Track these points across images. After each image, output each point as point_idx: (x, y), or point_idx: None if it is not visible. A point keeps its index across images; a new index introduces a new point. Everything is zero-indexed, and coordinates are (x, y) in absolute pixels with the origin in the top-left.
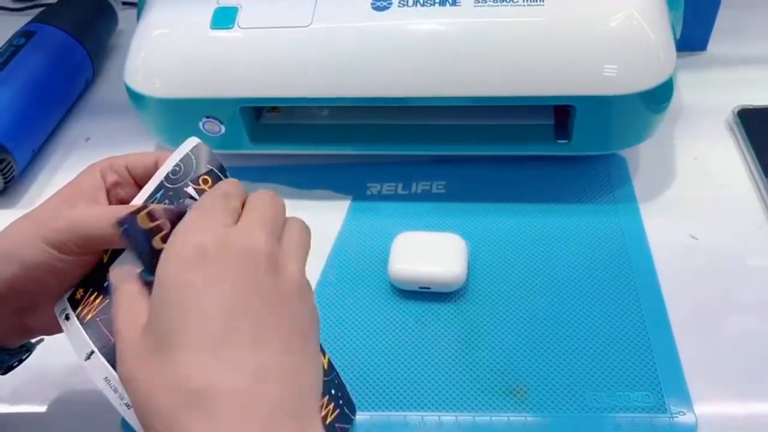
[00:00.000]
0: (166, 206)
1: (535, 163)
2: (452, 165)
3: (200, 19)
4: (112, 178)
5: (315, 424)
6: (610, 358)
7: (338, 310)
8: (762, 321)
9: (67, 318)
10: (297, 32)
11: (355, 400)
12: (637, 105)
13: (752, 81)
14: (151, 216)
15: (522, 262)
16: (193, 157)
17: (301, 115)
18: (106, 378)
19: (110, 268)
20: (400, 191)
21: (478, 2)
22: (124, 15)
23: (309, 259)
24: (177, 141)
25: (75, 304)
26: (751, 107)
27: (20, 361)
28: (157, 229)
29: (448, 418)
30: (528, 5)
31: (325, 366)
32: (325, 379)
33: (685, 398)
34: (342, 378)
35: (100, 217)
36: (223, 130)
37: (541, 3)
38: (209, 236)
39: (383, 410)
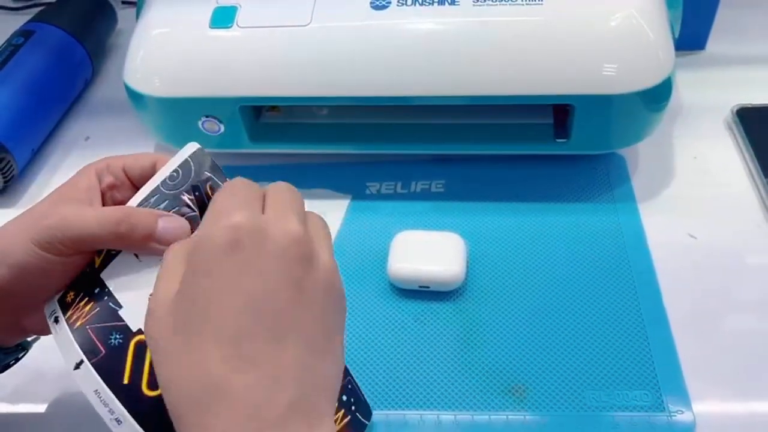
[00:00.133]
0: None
1: (534, 162)
2: (451, 164)
3: (199, 18)
4: (108, 179)
5: (326, 423)
6: (609, 357)
7: None
8: (761, 320)
9: (56, 321)
10: (296, 31)
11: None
12: (636, 104)
13: (751, 80)
14: None
15: (521, 260)
16: (191, 164)
17: (300, 115)
18: (96, 391)
19: (102, 274)
20: (399, 190)
21: (477, 1)
22: (123, 14)
23: None
24: (176, 140)
25: (65, 306)
26: (750, 106)
27: (17, 360)
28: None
29: (446, 417)
30: (527, 4)
31: None
32: None
33: (683, 397)
34: (357, 382)
35: (89, 217)
36: (223, 129)
37: (540, 2)
38: (243, 219)
39: (382, 409)
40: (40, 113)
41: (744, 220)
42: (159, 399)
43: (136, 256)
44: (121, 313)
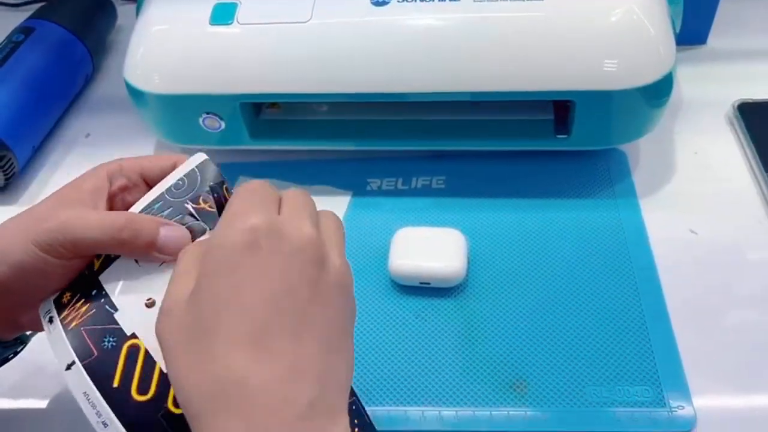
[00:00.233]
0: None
1: (535, 159)
2: (452, 160)
3: (199, 15)
4: (120, 182)
5: (342, 421)
6: (610, 353)
7: None
8: (761, 315)
9: (51, 321)
10: (296, 28)
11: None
12: (637, 100)
13: (752, 75)
14: None
15: (522, 256)
16: (198, 173)
17: (300, 111)
18: (86, 393)
19: (100, 277)
20: (400, 186)
21: None
22: (123, 11)
23: None
24: (177, 137)
25: (61, 307)
26: (751, 101)
27: (15, 353)
28: None
29: (448, 412)
30: (527, 0)
31: None
32: None
33: (684, 392)
34: (362, 404)
35: (91, 222)
36: (223, 126)
37: None
38: (260, 220)
39: (384, 405)
40: (41, 110)
41: (745, 216)
42: (147, 404)
43: (136, 261)
44: (116, 316)
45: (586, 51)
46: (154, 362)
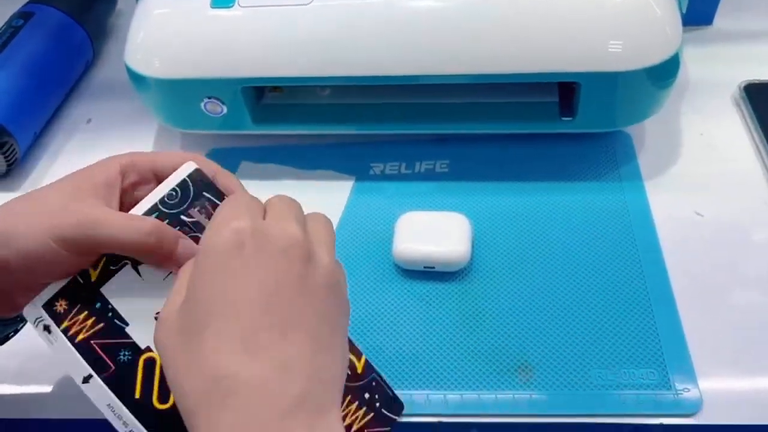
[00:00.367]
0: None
1: (540, 141)
2: (456, 144)
3: None
4: (132, 178)
5: (332, 417)
6: (615, 336)
7: None
8: (767, 297)
9: (48, 330)
10: (298, 10)
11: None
12: (643, 81)
13: (759, 56)
14: None
15: (526, 240)
16: (190, 184)
17: (303, 95)
18: (110, 405)
19: (102, 289)
20: (403, 171)
21: None
22: None
23: None
24: (179, 122)
25: (56, 316)
26: (757, 82)
27: (16, 331)
28: None
29: (453, 396)
30: None
31: (360, 369)
32: (359, 383)
33: (689, 374)
34: (384, 378)
35: (118, 223)
36: (225, 110)
37: None
38: (244, 223)
39: None
40: (41, 96)
41: (751, 197)
42: (170, 411)
43: (138, 273)
44: (128, 330)
45: (592, 32)
46: None
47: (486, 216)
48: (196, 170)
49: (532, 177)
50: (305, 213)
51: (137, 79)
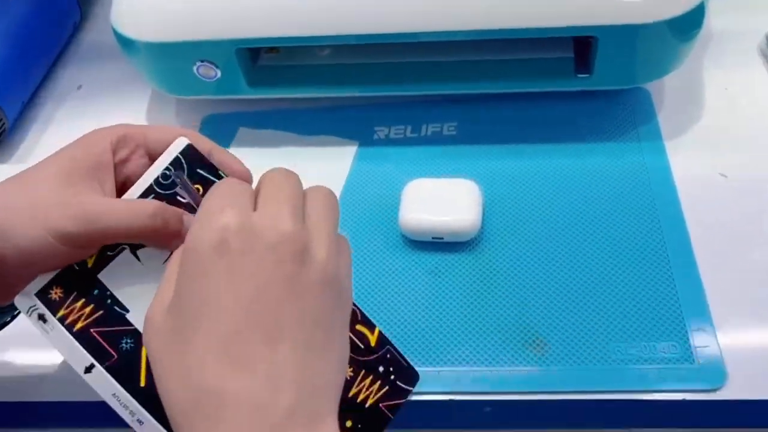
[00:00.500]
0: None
1: (553, 100)
2: (464, 104)
3: None
4: (123, 154)
5: (328, 425)
6: (634, 307)
7: None
8: None
9: (43, 319)
10: None
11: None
12: (665, 34)
13: None
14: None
15: (540, 207)
16: (183, 161)
17: (301, 56)
18: (114, 394)
19: (100, 275)
20: (409, 134)
21: None
22: None
23: None
24: (171, 87)
25: (51, 304)
26: None
27: (13, 317)
28: None
29: (464, 371)
30: None
31: (373, 342)
32: (372, 357)
33: (713, 347)
34: (398, 349)
35: (120, 210)
36: (219, 74)
37: None
38: (231, 219)
39: None
40: (28, 62)
41: None
42: None
43: (137, 258)
44: (129, 317)
45: None
46: None
47: (497, 181)
48: (189, 146)
49: (545, 138)
50: (305, 187)
51: (125, 43)
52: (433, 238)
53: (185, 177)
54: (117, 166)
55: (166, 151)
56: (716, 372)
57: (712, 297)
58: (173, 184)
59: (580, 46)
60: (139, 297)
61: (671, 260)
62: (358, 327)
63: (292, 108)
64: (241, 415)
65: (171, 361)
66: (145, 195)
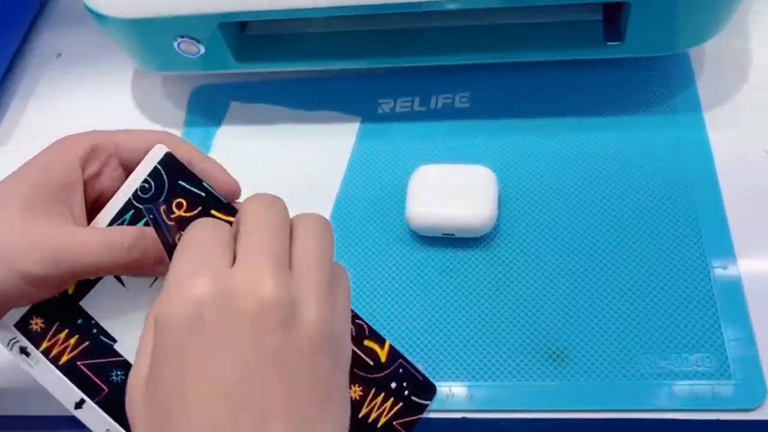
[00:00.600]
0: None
1: (579, 68)
2: (478, 72)
3: None
4: (94, 167)
5: None
6: (665, 312)
7: (349, 261)
8: None
9: (26, 353)
10: None
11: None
12: None
13: None
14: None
15: (562, 194)
16: (162, 171)
17: (293, 24)
18: (108, 430)
19: (82, 303)
20: (417, 107)
21: None
22: None
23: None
24: (153, 64)
25: (33, 336)
26: None
27: None
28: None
29: (478, 388)
30: None
31: (384, 358)
32: (383, 373)
33: (753, 361)
34: (409, 360)
35: (91, 245)
36: (202, 50)
37: None
38: (205, 289)
39: None
40: (1, 29)
41: None
42: None
43: (121, 282)
44: (117, 347)
45: None
46: None
47: (514, 163)
48: (167, 155)
49: (570, 112)
50: (292, 213)
51: (99, 18)
52: (443, 234)
53: (160, 211)
54: (88, 182)
55: (143, 161)
56: (755, 388)
57: (753, 303)
58: (154, 198)
59: (611, 9)
60: (126, 324)
61: (708, 256)
62: (367, 342)
63: (289, 79)
64: None
65: None
66: (123, 212)
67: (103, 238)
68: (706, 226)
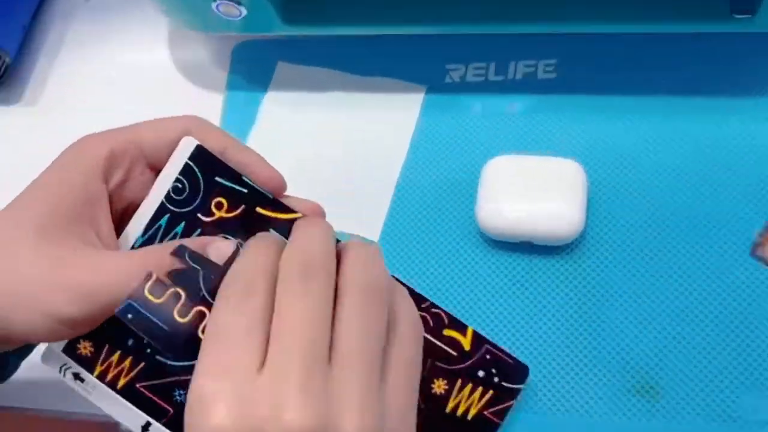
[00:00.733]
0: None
1: (694, 41)
2: (567, 36)
3: None
4: (118, 176)
5: None
6: None
7: (408, 264)
8: None
9: (80, 379)
10: None
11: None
12: None
13: None
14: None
15: (666, 196)
16: (195, 168)
17: None
18: None
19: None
20: (492, 76)
21: None
22: None
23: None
24: (190, 24)
25: (84, 361)
26: None
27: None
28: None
29: (554, 420)
30: None
31: (467, 346)
32: (468, 362)
33: None
34: (497, 346)
35: (123, 277)
36: (244, 11)
37: None
38: (225, 414)
39: None
40: None
41: None
42: None
43: None
44: (174, 364)
45: None
46: None
47: (609, 154)
48: (198, 147)
49: (681, 92)
50: (340, 238)
51: None
52: (520, 240)
53: (190, 253)
54: (114, 192)
55: (172, 158)
56: None
57: None
58: (190, 199)
59: None
60: None
61: None
62: (447, 332)
63: (345, 39)
64: None
65: None
66: (157, 218)
67: (138, 265)
68: None
